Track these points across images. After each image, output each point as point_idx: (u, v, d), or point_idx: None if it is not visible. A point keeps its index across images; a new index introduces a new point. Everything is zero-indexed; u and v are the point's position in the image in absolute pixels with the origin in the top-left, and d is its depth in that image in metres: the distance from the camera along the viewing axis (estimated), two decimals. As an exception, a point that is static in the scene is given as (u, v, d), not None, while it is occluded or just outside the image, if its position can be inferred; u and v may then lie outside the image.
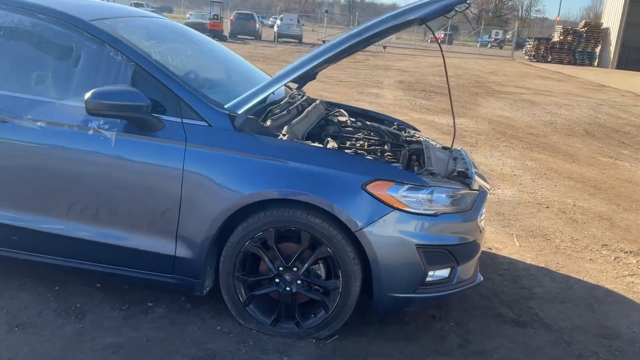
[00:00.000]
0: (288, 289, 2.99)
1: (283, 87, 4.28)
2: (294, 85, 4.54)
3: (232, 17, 34.47)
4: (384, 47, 33.34)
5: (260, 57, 22.08)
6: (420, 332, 3.19)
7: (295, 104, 3.65)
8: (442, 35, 57.26)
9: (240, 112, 2.96)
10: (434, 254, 2.98)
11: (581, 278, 4.08)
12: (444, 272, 3.08)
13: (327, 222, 2.86)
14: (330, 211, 2.83)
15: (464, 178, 3.26)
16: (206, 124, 2.94)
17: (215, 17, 30.82)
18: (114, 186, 2.97)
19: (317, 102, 4.20)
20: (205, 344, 2.89)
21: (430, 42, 60.35)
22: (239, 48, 26.23)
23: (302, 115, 3.49)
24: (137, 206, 2.97)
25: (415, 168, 3.35)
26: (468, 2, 3.18)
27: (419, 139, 4.13)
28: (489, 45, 54.97)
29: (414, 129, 4.47)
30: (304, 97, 4.02)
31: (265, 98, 3.06)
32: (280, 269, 2.97)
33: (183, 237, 2.96)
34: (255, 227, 2.91)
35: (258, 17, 35.63)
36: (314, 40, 35.22)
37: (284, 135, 3.03)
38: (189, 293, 3.10)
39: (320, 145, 3.05)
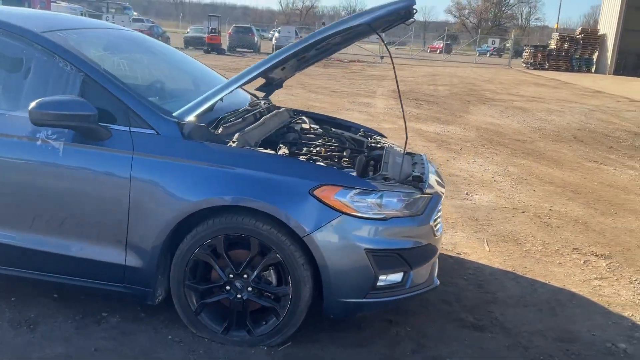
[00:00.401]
0: (239, 296, 2.98)
1: (248, 96, 4.32)
2: (260, 94, 4.57)
3: (230, 30, 34.69)
4: (382, 58, 33.38)
5: (256, 69, 22.11)
6: (374, 338, 3.17)
7: (253, 112, 3.66)
8: (442, 45, 57.54)
9: (187, 119, 2.97)
10: (384, 258, 2.98)
11: (547, 282, 4.06)
12: (396, 277, 3.08)
13: (275, 228, 2.86)
14: (277, 217, 2.84)
15: (418, 182, 3.27)
16: (154, 132, 2.95)
17: (213, 30, 31.00)
18: (62, 196, 2.98)
19: (282, 109, 4.22)
20: (155, 353, 2.89)
21: (430, 51, 60.58)
22: (237, 61, 26.39)
23: (258, 122, 3.50)
24: (86, 216, 2.98)
25: (370, 173, 3.34)
26: (415, 8, 3.20)
27: (383, 145, 4.14)
28: (488, 54, 55.11)
29: (381, 135, 4.49)
30: (266, 105, 4.03)
31: (213, 105, 3.06)
32: (231, 276, 2.97)
33: (132, 245, 2.96)
34: (204, 235, 2.92)
35: (257, 30, 35.78)
36: (312, 51, 35.31)
37: (233, 142, 3.04)
38: (143, 303, 3.09)
39: (268, 151, 3.05)
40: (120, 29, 4.13)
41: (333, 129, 4.19)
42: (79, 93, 2.99)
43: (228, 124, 3.23)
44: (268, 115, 3.73)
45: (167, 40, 35.48)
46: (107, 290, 3.07)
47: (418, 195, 3.15)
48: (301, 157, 3.35)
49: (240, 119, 3.42)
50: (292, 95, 14.16)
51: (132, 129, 2.95)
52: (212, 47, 30.80)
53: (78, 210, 2.98)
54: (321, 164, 3.15)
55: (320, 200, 2.86)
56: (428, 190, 3.24)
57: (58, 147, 2.94)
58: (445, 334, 3.27)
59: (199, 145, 2.94)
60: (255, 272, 2.95)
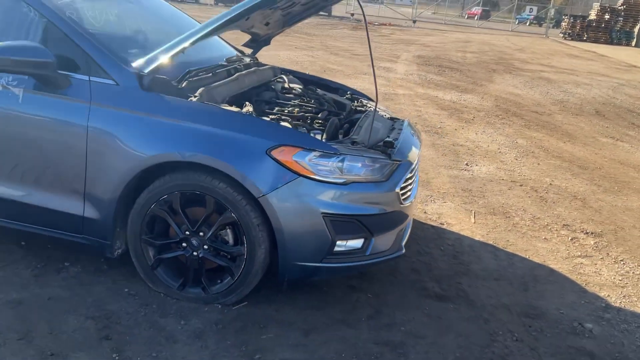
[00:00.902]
0: (195, 253, 2.97)
1: (233, 51, 4.24)
2: (248, 51, 4.49)
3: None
4: (414, 22, 32.75)
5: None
6: (333, 302, 3.14)
7: (227, 68, 3.59)
8: (480, 11, 55.95)
9: (147, 71, 2.91)
10: (343, 223, 2.92)
11: (527, 257, 3.96)
12: (356, 243, 3.02)
13: (231, 187, 2.81)
14: (232, 176, 2.79)
15: (387, 148, 3.17)
16: (113, 83, 2.91)
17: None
18: (23, 143, 2.98)
19: (266, 67, 4.14)
20: (107, 305, 2.91)
21: (468, 17, 59.06)
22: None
23: (229, 79, 3.43)
24: (46, 164, 2.98)
25: (340, 136, 3.26)
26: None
27: (368, 109, 4.04)
28: (528, 23, 53.40)
29: (368, 98, 4.38)
30: (248, 62, 3.94)
31: (173, 56, 2.97)
32: (187, 233, 2.95)
33: (90, 196, 2.96)
34: (161, 190, 2.89)
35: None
36: (343, 13, 34.73)
37: (195, 97, 2.98)
38: (102, 255, 3.09)
39: (228, 108, 2.98)
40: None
41: (318, 90, 4.09)
42: (41, 40, 2.96)
43: (194, 78, 3.17)
44: (244, 72, 3.65)
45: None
46: (68, 240, 3.08)
47: (385, 161, 3.06)
48: (270, 116, 3.29)
49: (211, 74, 3.35)
50: (312, 56, 13.98)
51: (92, 79, 2.91)
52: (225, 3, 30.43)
53: (38, 158, 2.98)
54: (286, 124, 3.08)
55: (277, 161, 2.80)
56: (397, 157, 3.15)
57: (18, 94, 2.92)
58: (406, 302, 3.22)
59: (156, 98, 2.89)
60: (211, 231, 2.92)
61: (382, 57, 15.51)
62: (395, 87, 10.60)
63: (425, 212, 4.56)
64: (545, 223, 4.61)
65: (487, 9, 57.46)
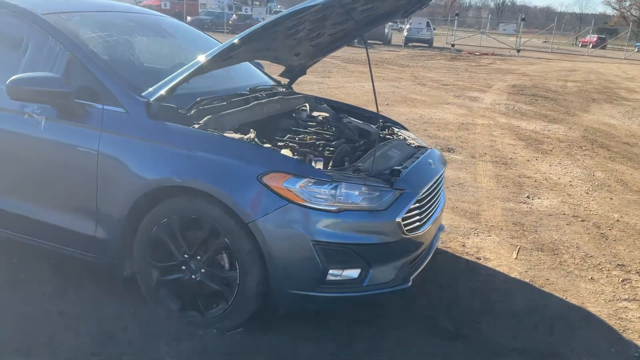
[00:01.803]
0: (193, 276, 3.01)
1: (267, 79, 4.33)
2: (285, 81, 4.56)
3: (361, 22, 34.74)
4: (518, 51, 31.76)
5: (377, 61, 22.08)
6: (331, 335, 3.07)
7: (246, 97, 3.65)
8: (596, 39, 53.26)
9: (152, 99, 3.04)
10: (335, 252, 2.85)
11: (564, 298, 3.65)
12: (352, 273, 2.94)
13: (224, 212, 2.85)
14: (224, 201, 2.82)
15: (392, 176, 3.08)
16: (124, 111, 3.06)
17: (343, 22, 31.19)
18: (44, 166, 3.20)
19: (297, 96, 4.18)
20: (108, 324, 3.01)
21: (581, 46, 56.41)
22: (361, 53, 26.41)
23: (243, 107, 3.49)
24: (64, 186, 3.17)
25: (346, 163, 3.21)
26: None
27: (398, 137, 3.97)
28: (647, 50, 50.00)
29: (402, 127, 4.28)
30: (272, 91, 3.99)
31: (176, 86, 3.07)
32: (186, 256, 3.01)
33: (100, 217, 3.11)
34: (161, 214, 2.98)
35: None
36: (444, 44, 34.43)
37: (199, 124, 3.06)
38: (113, 276, 3.22)
39: (226, 135, 3.02)
40: (145, 12, 4.32)
41: (345, 119, 4.05)
42: (64, 72, 3.18)
43: (205, 106, 3.26)
44: (264, 101, 3.70)
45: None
46: (83, 259, 3.23)
47: (385, 190, 2.97)
48: (279, 143, 3.30)
49: (225, 103, 3.43)
50: (397, 87, 13.94)
51: (105, 107, 3.08)
52: (341, 38, 31.00)
53: (58, 181, 3.19)
54: (286, 151, 3.07)
55: (267, 187, 2.80)
56: (402, 186, 3.05)
57: (40, 122, 3.15)
58: (411, 339, 3.07)
59: (159, 125, 3.00)
60: (207, 255, 2.96)
61: (473, 87, 15.15)
62: (476, 117, 10.29)
63: (463, 245, 4.34)
64: (597, 262, 4.23)
65: (603, 36, 54.67)
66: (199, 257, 2.99)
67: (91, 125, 3.07)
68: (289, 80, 4.54)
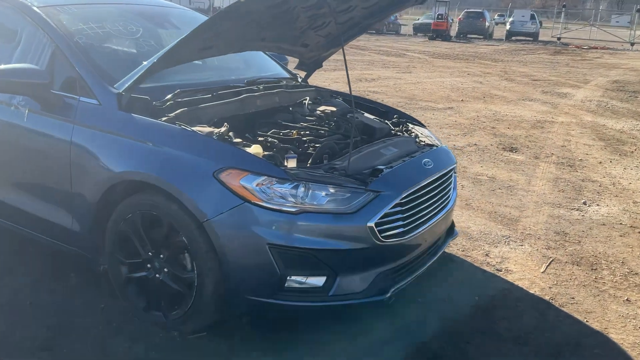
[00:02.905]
0: (157, 275, 2.90)
1: (282, 71, 4.16)
2: (302, 73, 4.36)
3: (460, 16, 33.67)
4: (632, 44, 29.33)
5: (469, 55, 21.23)
6: (299, 344, 2.83)
7: (239, 89, 3.49)
8: None
9: (122, 90, 2.95)
10: (294, 257, 2.63)
11: (585, 320, 3.18)
12: (316, 281, 2.71)
13: (182, 210, 2.71)
14: (179, 198, 2.68)
15: (368, 177, 2.81)
16: (97, 103, 3.00)
17: (440, 16, 30.40)
18: (28, 158, 3.22)
19: (305, 89, 3.97)
20: (73, 316, 2.97)
21: None
22: (456, 47, 25.55)
23: (230, 100, 3.32)
24: (45, 178, 3.18)
25: (325, 161, 2.96)
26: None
27: (410, 134, 3.66)
28: None
29: (419, 124, 3.95)
30: (272, 84, 3.79)
31: (143, 77, 2.95)
32: (150, 254, 2.90)
33: (74, 210, 3.08)
34: (126, 209, 2.90)
35: (488, 14, 34.07)
36: (549, 37, 32.53)
37: (169, 116, 2.93)
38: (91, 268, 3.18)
39: (185, 128, 2.84)
40: (155, 4, 4.26)
41: (350, 115, 3.76)
42: (48, 63, 3.18)
43: (183, 98, 3.13)
44: (257, 94, 3.51)
45: (398, 27, 35.87)
46: (64, 250, 3.22)
47: (358, 191, 2.71)
48: (260, 138, 3.11)
49: (210, 95, 3.28)
50: (480, 82, 13.27)
51: (81, 99, 3.04)
52: (437, 33, 30.26)
53: (39, 173, 3.19)
54: (255, 148, 2.85)
55: (223, 185, 2.63)
56: (380, 187, 2.76)
57: (24, 113, 3.16)
58: (385, 354, 2.78)
59: (126, 118, 2.91)
60: (166, 254, 2.83)
61: (567, 82, 14.11)
62: (558, 115, 9.52)
63: (486, 255, 3.94)
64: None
65: None
66: (161, 256, 2.87)
67: (66, 117, 3.04)
68: (305, 73, 4.32)
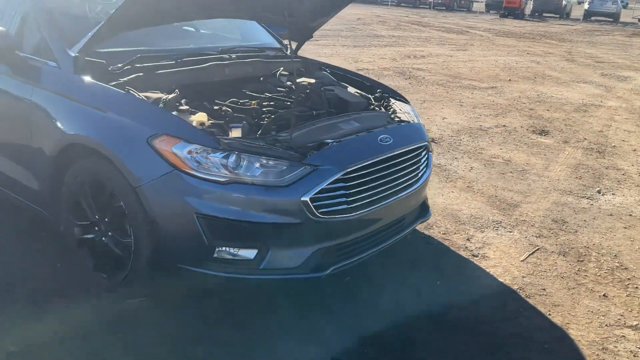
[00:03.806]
0: (104, 239, 2.94)
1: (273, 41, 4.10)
2: (294, 44, 4.27)
3: (538, -7, 32.17)
4: None
5: (537, 34, 20.27)
6: (222, 316, 2.81)
7: (208, 57, 3.44)
8: None
9: (75, 53, 2.97)
10: (222, 228, 2.59)
11: (547, 314, 2.98)
12: (248, 253, 2.66)
13: (120, 175, 2.72)
14: (115, 163, 2.70)
15: (309, 150, 2.72)
16: (56, 66, 3.04)
17: (511, -7, 29.16)
18: (2, 119, 3.31)
19: (280, 60, 3.86)
20: (29, 273, 3.06)
21: None
22: (527, 26, 24.47)
23: (192, 67, 3.28)
24: (10, 136, 3.28)
25: (273, 132, 2.89)
26: None
27: (388, 109, 3.54)
28: None
29: (403, 100, 3.79)
30: (249, 53, 3.73)
31: (93, 41, 2.95)
32: (97, 217, 2.94)
33: (35, 170, 3.16)
34: (76, 172, 2.94)
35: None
36: (630, 19, 30.57)
37: (120, 82, 2.93)
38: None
39: (128, 93, 2.82)
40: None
41: (325, 88, 3.62)
42: (19, 26, 3.26)
43: (143, 64, 3.13)
44: (227, 62, 3.46)
45: (470, 4, 34.72)
46: (29, 207, 3.31)
47: (294, 165, 2.63)
48: (215, 107, 3.07)
49: (173, 62, 3.26)
50: (537, 62, 12.69)
51: (43, 61, 3.10)
52: (509, 10, 29.04)
53: (7, 132, 3.29)
54: (197, 117, 2.80)
55: (156, 151, 2.62)
56: (319, 162, 2.67)
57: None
58: (283, 329, 2.72)
59: (78, 81, 2.94)
60: (110, 218, 2.87)
61: (633, 65, 13.30)
62: (608, 99, 8.97)
63: (468, 239, 3.76)
64: (629, 277, 3.41)
65: None
66: (106, 220, 2.90)
67: (28, 79, 3.11)
68: (297, 44, 4.23)
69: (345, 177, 2.73)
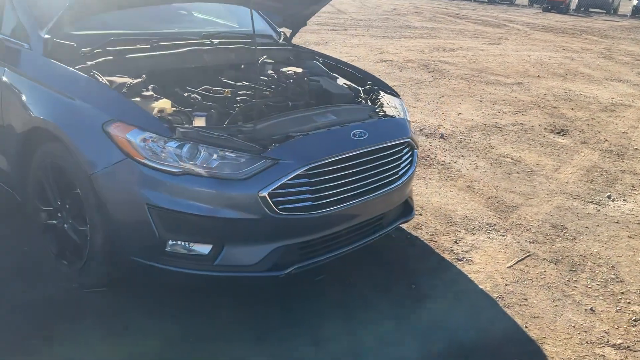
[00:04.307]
0: (65, 225, 2.89)
1: (268, 28, 3.99)
2: (288, 31, 4.14)
3: (585, -12, 31.12)
4: None
5: (577, 30, 19.60)
6: (175, 309, 2.72)
7: (189, 42, 3.34)
8: None
9: (44, 35, 2.90)
10: (175, 221, 2.49)
11: (523, 326, 2.80)
12: (202, 248, 2.56)
13: (76, 161, 2.65)
14: (71, 148, 2.63)
15: (271, 143, 2.59)
16: (28, 47, 2.99)
17: (556, -13, 28.27)
18: None
19: (267, 48, 3.72)
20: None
21: None
22: (569, 21, 23.70)
23: (168, 52, 3.18)
24: None
25: (239, 122, 2.78)
26: None
27: (374, 102, 3.39)
28: None
29: (393, 93, 3.62)
30: (239, 40, 3.61)
31: (61, 22, 2.87)
32: (59, 203, 2.89)
33: (5, 152, 3.12)
34: (40, 157, 2.89)
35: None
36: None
37: (86, 65, 2.85)
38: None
39: (89, 77, 2.72)
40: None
41: (308, 78, 3.46)
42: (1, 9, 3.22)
43: (115, 47, 3.05)
44: (207, 48, 3.35)
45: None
46: (5, 191, 3.28)
47: (254, 158, 2.51)
48: (185, 94, 2.96)
49: (148, 46, 3.17)
50: (570, 58, 12.22)
51: (16, 41, 3.05)
52: (552, 5, 28.17)
53: None
54: (160, 104, 2.70)
55: (110, 138, 2.53)
56: (279, 156, 2.54)
57: None
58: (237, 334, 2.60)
59: (46, 63, 2.87)
60: (68, 205, 2.80)
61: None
62: (628, 97, 8.55)
63: (456, 242, 3.59)
64: (622, 291, 3.19)
65: None
66: (67, 207, 2.84)
67: (3, 60, 3.06)
68: (291, 30, 4.10)
69: (309, 172, 2.60)
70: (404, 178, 3.10)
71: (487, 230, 3.79)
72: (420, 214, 3.93)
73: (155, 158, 2.47)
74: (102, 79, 2.75)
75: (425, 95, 7.67)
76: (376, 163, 2.91)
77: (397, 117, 3.24)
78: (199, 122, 2.71)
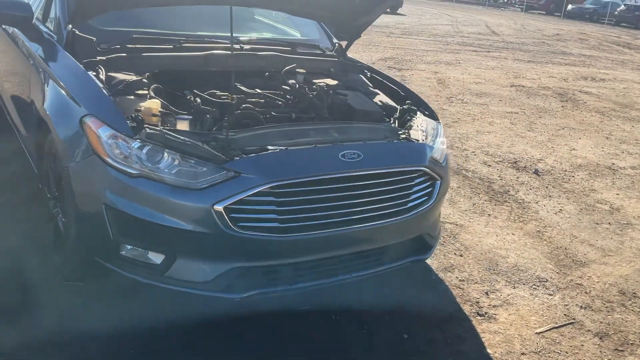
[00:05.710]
0: (59, 215, 2.91)
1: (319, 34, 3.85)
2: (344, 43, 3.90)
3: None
4: None
5: (624, 43, 16.85)
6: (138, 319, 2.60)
7: (217, 44, 3.25)
8: None
9: (69, 29, 2.97)
10: (126, 223, 2.40)
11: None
12: (155, 257, 2.44)
13: (60, 153, 2.66)
14: (56, 140, 2.65)
15: (237, 152, 2.39)
16: (57, 38, 3.09)
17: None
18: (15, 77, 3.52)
19: (306, 57, 3.53)
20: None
21: None
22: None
23: (188, 54, 3.11)
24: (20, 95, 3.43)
25: (214, 128, 2.61)
26: None
27: (406, 122, 3.06)
28: None
29: (432, 115, 3.23)
30: (276, 47, 3.45)
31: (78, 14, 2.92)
32: (56, 193, 2.92)
33: (27, 141, 3.27)
34: (47, 145, 2.94)
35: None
36: None
37: (94, 60, 2.87)
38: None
39: (83, 70, 2.72)
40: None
41: (332, 92, 3.18)
42: (45, 2, 3.39)
43: (135, 44, 3.05)
44: (237, 53, 3.22)
45: None
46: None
47: (216, 169, 2.34)
48: (188, 96, 2.86)
49: (172, 46, 3.13)
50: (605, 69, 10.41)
51: (49, 32, 3.19)
52: None
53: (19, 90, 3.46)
54: (150, 103, 2.61)
55: (84, 132, 2.50)
56: (240, 169, 2.33)
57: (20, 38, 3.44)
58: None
59: (61, 55, 2.94)
60: (59, 195, 2.82)
61: None
62: None
63: (486, 293, 3.09)
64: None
65: None
66: (59, 197, 2.87)
67: (32, 45, 3.21)
68: (346, 42, 3.86)
69: (275, 191, 2.35)
70: (414, 211, 2.73)
71: (533, 285, 3.23)
72: (461, 255, 3.46)
73: (120, 157, 2.38)
74: (102, 74, 2.74)
75: (543, 125, 6.93)
76: (374, 190, 2.58)
77: (419, 141, 2.86)
78: (182, 125, 2.60)
